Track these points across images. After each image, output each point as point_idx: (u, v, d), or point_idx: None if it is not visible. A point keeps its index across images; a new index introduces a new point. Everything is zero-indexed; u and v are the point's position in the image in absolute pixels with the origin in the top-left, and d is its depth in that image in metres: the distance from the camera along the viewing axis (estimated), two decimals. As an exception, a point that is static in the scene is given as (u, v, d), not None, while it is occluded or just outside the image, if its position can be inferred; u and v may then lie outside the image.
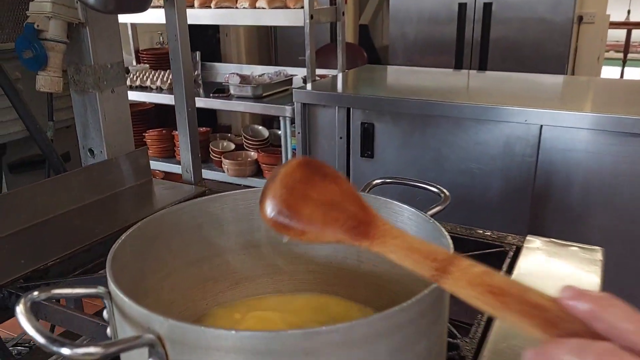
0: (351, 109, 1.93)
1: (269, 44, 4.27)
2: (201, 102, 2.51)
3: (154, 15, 1.63)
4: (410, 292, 0.59)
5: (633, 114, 1.50)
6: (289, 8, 2.39)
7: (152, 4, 0.99)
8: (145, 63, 3.13)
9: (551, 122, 1.59)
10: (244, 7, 2.48)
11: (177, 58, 1.09)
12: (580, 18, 3.26)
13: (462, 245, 0.87)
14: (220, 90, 2.64)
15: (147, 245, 0.54)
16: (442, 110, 1.74)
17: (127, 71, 2.93)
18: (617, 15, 5.51)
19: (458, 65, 3.17)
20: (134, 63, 3.17)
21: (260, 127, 2.91)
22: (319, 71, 2.52)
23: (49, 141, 1.13)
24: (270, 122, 3.13)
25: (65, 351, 0.34)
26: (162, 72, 2.87)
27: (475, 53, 3.12)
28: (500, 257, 0.83)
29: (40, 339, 0.34)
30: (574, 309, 0.30)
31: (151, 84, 2.80)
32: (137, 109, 2.98)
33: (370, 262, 0.63)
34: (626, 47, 5.54)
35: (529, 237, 0.87)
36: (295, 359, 0.36)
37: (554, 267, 0.77)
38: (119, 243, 0.49)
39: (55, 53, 1.04)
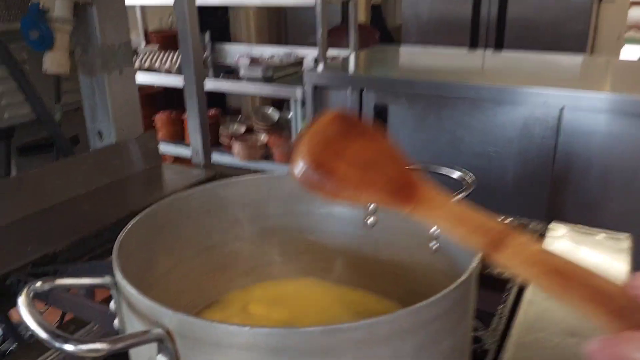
0: (364, 91, 1.89)
1: (279, 24, 4.21)
2: (211, 84, 2.47)
3: (163, -5, 1.59)
4: (431, 281, 0.56)
5: (657, 95, 1.45)
6: (300, -13, 2.34)
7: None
8: (154, 44, 3.10)
9: (572, 103, 1.54)
10: (253, -13, 2.43)
11: (186, 39, 1.06)
12: (601, -4, 3.17)
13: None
14: (230, 72, 2.60)
15: (155, 232, 0.52)
16: (458, 92, 1.69)
17: (136, 53, 2.90)
18: (637, -6, 5.35)
19: (473, 45, 3.09)
20: (143, 45, 3.14)
21: (270, 110, 2.88)
22: (330, 52, 2.47)
23: (56, 124, 1.11)
24: (281, 104, 3.09)
25: (69, 347, 0.32)
26: (172, 54, 2.83)
27: (491, 32, 3.05)
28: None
29: (43, 334, 0.32)
30: None
31: (160, 65, 2.77)
32: (146, 92, 2.95)
33: (387, 251, 0.60)
34: (645, 26, 5.39)
35: (552, 224, 0.84)
36: (313, 358, 0.33)
37: (581, 256, 0.74)
38: (126, 231, 0.46)
39: (62, 33, 1.01)
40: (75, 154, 1.12)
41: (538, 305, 0.64)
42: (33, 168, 0.96)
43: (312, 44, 2.46)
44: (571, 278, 0.30)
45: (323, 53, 2.36)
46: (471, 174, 0.60)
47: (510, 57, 2.36)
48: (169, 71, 2.75)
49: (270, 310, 0.55)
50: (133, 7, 3.01)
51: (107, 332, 0.75)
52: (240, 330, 0.33)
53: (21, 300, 0.35)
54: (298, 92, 2.33)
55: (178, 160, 2.88)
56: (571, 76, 1.96)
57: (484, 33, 3.07)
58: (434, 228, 0.55)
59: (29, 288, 0.36)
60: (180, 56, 1.07)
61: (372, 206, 0.61)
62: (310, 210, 0.63)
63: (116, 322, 0.43)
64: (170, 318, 0.35)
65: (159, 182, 1.10)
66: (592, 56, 2.88)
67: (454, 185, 0.64)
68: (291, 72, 2.62)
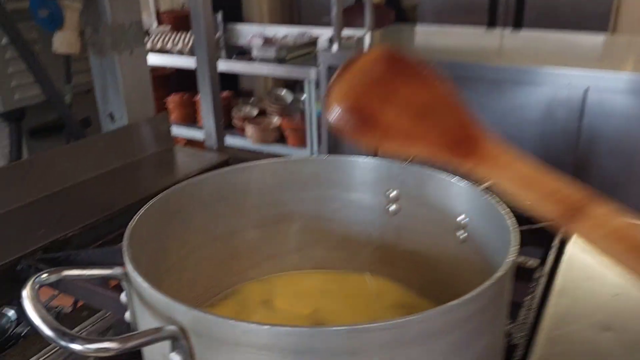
0: (379, 72, 1.84)
1: (293, 3, 4.13)
2: (223, 65, 2.44)
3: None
4: (457, 272, 0.53)
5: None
6: (314, -35, 2.28)
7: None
8: (166, 25, 3.06)
9: (597, 84, 1.49)
10: (266, -35, 2.37)
11: (198, 19, 1.03)
12: (623, -27, 3.06)
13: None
14: (243, 53, 2.56)
15: (167, 220, 0.50)
16: (478, 72, 1.64)
17: (148, 34, 2.87)
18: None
19: (491, 24, 3.01)
20: (155, 25, 3.10)
21: (283, 92, 2.84)
22: (344, 32, 2.42)
23: (67, 106, 1.08)
24: (293, 86, 3.05)
25: (76, 347, 0.29)
26: (184, 34, 2.80)
27: (509, 11, 2.96)
28: (552, 233, 0.77)
29: (47, 331, 0.30)
30: None
31: (172, 46, 2.73)
32: (158, 73, 2.92)
33: (410, 239, 0.57)
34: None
35: (580, 210, 0.80)
36: (339, 359, 0.31)
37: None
38: (137, 219, 0.44)
39: (72, 12, 0.98)
40: (87, 137, 1.10)
41: (569, 296, 0.61)
42: (44, 151, 0.94)
43: (326, 23, 2.40)
44: None
45: (338, 33, 2.31)
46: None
47: (529, 37, 2.29)
48: (181, 52, 2.71)
49: (293, 305, 0.53)
50: (145, -13, 2.97)
51: (120, 320, 0.74)
52: (260, 329, 0.30)
53: (25, 293, 0.33)
54: (312, 73, 2.28)
55: (190, 142, 2.86)
56: (594, 56, 1.89)
57: (502, 12, 2.99)
58: (461, 217, 0.52)
59: (34, 280, 0.33)
60: (192, 37, 1.03)
61: (394, 193, 0.58)
62: (329, 197, 0.60)
63: (127, 314, 0.41)
64: (184, 314, 0.32)
65: (171, 166, 1.07)
66: (614, 35, 2.78)
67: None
68: (305, 52, 2.57)
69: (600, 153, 1.53)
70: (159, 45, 2.77)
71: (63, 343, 0.29)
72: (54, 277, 0.35)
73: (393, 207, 0.58)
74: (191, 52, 2.66)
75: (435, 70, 0.35)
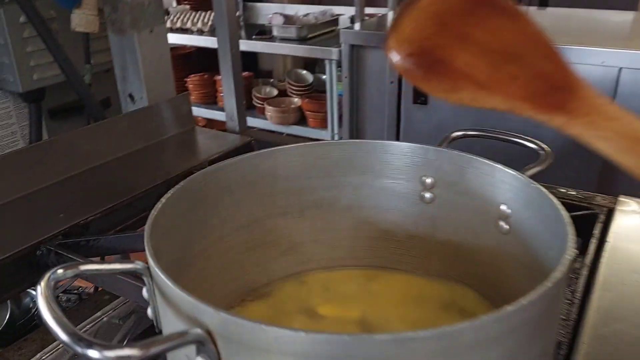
0: (404, 51, 1.78)
1: (313, -19, 4.05)
2: (243, 45, 2.38)
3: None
4: (499, 266, 0.50)
5: None
6: (336, -60, 2.21)
7: None
8: (185, 4, 3.02)
9: (632, 64, 1.42)
10: (287, -59, 2.31)
11: (219, -4, 0.99)
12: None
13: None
14: (263, 32, 2.51)
15: (191, 208, 0.47)
16: (507, 52, 1.58)
17: (167, 13, 2.83)
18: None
19: (517, 2, 2.91)
20: (174, 4, 3.07)
21: (304, 72, 2.79)
22: (367, 10, 2.35)
23: (86, 86, 1.06)
24: (313, 66, 2.99)
25: (94, 354, 0.27)
26: (203, 14, 2.75)
27: (537, -12, 2.85)
28: (590, 221, 0.72)
29: (63, 336, 0.27)
30: None
31: (192, 25, 2.69)
32: (178, 52, 2.89)
33: (447, 230, 0.54)
34: None
35: (622, 198, 0.76)
36: (382, 370, 0.28)
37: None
38: (159, 208, 0.41)
39: (90, -11, 0.96)
40: (107, 118, 1.08)
41: (613, 290, 0.57)
42: (64, 132, 0.92)
43: (348, 1, 2.34)
44: None
45: (360, 10, 2.25)
46: (546, 147, 0.52)
47: (556, 14, 2.20)
48: (201, 31, 2.67)
49: (338, 309, 0.50)
50: (163, -35, 2.92)
51: (141, 307, 0.72)
52: (295, 336, 0.27)
53: (40, 290, 0.30)
54: (334, 52, 2.23)
55: (210, 123, 2.84)
56: (625, 35, 1.80)
57: (530, -12, 2.88)
58: (504, 206, 0.48)
59: (49, 277, 0.31)
60: (213, 16, 0.99)
61: (429, 179, 0.54)
62: (359, 184, 0.56)
63: (149, 311, 0.38)
64: (211, 316, 0.29)
65: (193, 148, 1.05)
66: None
67: (517, 157, 0.56)
68: (326, 31, 2.51)
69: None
70: (178, 25, 2.74)
71: (79, 349, 0.27)
72: (70, 273, 0.33)
73: (428, 195, 0.54)
74: (211, 32, 2.62)
75: (519, 6, 0.30)
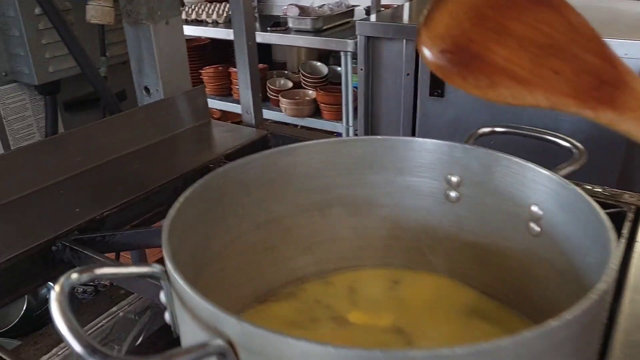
0: (421, 42, 1.75)
1: (328, -27, 4.01)
2: (257, 37, 2.37)
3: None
4: (529, 270, 0.47)
5: None
6: None
7: None
8: (200, -5, 3.00)
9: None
10: None
11: (236, -14, 0.97)
12: None
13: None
14: (277, 24, 2.49)
15: (209, 207, 0.45)
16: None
17: (182, 4, 2.82)
18: None
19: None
20: (189, -5, 3.05)
21: (319, 64, 2.76)
22: (383, 1, 2.32)
23: (102, 78, 1.05)
24: (327, 57, 2.96)
25: (111, 365, 0.25)
26: (218, 5, 2.74)
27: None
28: (618, 219, 0.70)
29: (77, 347, 0.26)
30: None
31: (207, 17, 2.68)
32: (192, 44, 2.88)
33: (473, 231, 0.52)
34: None
35: (653, 197, 0.73)
36: (414, 386, 0.26)
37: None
38: (177, 208, 0.39)
39: (105, -20, 0.94)
40: (122, 110, 1.07)
41: (646, 294, 0.55)
42: (80, 124, 0.92)
43: (364, -8, 2.31)
44: None
45: (376, 2, 2.21)
46: (580, 145, 0.49)
47: (576, 5, 2.14)
48: (216, 23, 2.66)
49: (369, 316, 0.48)
50: (178, -44, 2.90)
51: (155, 304, 0.71)
52: (325, 350, 0.26)
53: (54, 296, 0.29)
54: (350, 44, 2.20)
55: (225, 115, 2.83)
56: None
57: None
58: (536, 208, 0.46)
59: (63, 282, 0.29)
60: (228, 7, 0.98)
61: (455, 178, 0.52)
62: (381, 181, 0.55)
63: (167, 315, 0.37)
64: (234, 327, 0.28)
65: (209, 141, 1.03)
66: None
67: (545, 156, 0.54)
68: (341, 22, 2.48)
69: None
70: (193, 16, 2.73)
71: (95, 361, 0.25)
72: (85, 277, 0.31)
73: (454, 194, 0.52)
74: (226, 23, 2.60)
75: None
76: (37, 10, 1.00)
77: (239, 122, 1.10)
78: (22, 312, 1.34)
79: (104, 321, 0.71)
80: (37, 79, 1.05)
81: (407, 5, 2.23)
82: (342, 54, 2.29)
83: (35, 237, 0.69)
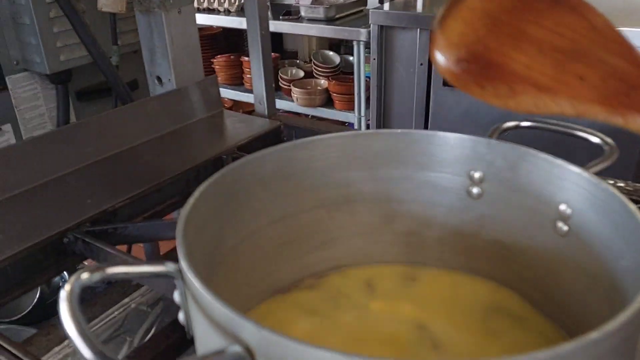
0: (436, 32, 1.72)
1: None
2: (270, 26, 2.35)
3: None
4: (556, 272, 0.45)
5: None
6: None
7: None
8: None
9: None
10: None
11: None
12: None
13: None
14: (289, 13, 2.46)
15: (225, 202, 0.44)
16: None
17: (194, -8, 2.79)
18: None
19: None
20: (200, -17, 3.02)
21: (331, 53, 2.74)
22: (397, -11, 2.28)
23: (113, 68, 1.04)
24: (338, 47, 2.93)
25: (124, 373, 0.24)
26: (230, -7, 2.71)
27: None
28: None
29: (88, 354, 0.24)
30: None
31: (218, 5, 2.66)
32: (204, 33, 2.86)
33: (496, 229, 0.50)
34: None
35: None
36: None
37: None
38: (192, 203, 0.38)
39: (116, -33, 0.92)
40: (134, 100, 1.06)
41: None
42: (92, 114, 0.91)
43: (378, -20, 2.28)
44: None
45: (390, -10, 2.18)
46: (611, 141, 0.47)
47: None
48: (228, 11, 2.63)
49: (391, 307, 0.47)
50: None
51: (166, 297, 0.70)
52: (348, 360, 0.24)
53: (64, 296, 0.27)
54: (362, 33, 2.17)
55: (237, 104, 2.82)
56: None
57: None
58: (564, 206, 0.44)
59: (73, 283, 0.28)
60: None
61: (478, 174, 0.50)
62: (401, 177, 0.53)
63: (181, 316, 0.35)
64: (253, 333, 0.26)
65: (221, 132, 1.02)
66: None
67: (573, 152, 0.52)
68: (354, 11, 2.45)
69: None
70: (205, 5, 2.71)
71: (107, 369, 0.24)
72: (96, 277, 0.30)
73: (476, 190, 0.50)
74: (238, 12, 2.58)
75: None
76: (49, -1, 0.99)
77: (251, 112, 1.08)
78: (35, 300, 1.34)
79: (115, 312, 0.71)
80: (49, 68, 1.04)
81: (421, -5, 2.19)
82: (354, 43, 2.26)
83: (46, 229, 0.68)
